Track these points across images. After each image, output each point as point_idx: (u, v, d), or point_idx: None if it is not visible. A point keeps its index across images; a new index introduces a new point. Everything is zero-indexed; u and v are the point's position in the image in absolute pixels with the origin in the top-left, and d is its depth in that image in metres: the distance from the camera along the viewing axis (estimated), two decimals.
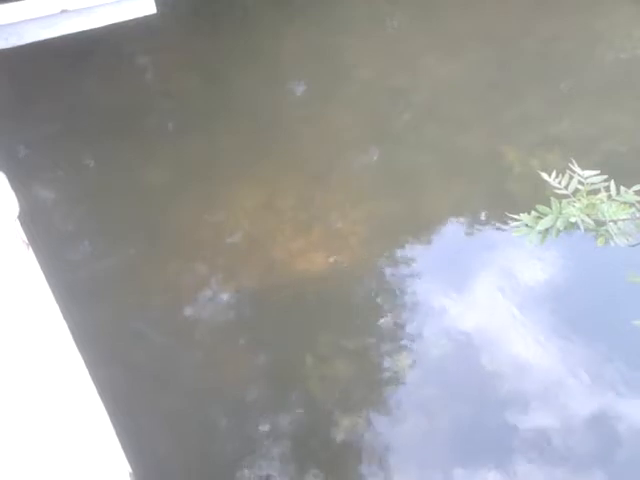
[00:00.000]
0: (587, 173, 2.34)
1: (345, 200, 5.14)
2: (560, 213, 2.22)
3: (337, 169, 5.38)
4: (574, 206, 2.23)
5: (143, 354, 4.27)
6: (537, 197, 2.42)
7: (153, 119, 5.75)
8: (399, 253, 4.90)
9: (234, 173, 5.31)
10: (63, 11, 2.84)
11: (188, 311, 4.58)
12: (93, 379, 3.05)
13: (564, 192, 2.33)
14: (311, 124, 5.65)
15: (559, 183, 2.35)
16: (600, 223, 2.22)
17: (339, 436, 3.93)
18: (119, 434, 3.23)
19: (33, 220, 3.14)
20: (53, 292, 2.90)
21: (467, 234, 5.03)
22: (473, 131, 5.50)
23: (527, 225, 2.27)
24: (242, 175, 5.28)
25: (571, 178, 2.33)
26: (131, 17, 2.97)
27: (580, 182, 2.32)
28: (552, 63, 5.98)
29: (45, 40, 2.96)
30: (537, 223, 2.25)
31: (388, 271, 4.80)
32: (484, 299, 4.50)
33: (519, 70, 5.93)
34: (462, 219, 5.12)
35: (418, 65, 6.02)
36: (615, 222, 2.19)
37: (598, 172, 2.35)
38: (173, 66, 6.13)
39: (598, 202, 2.22)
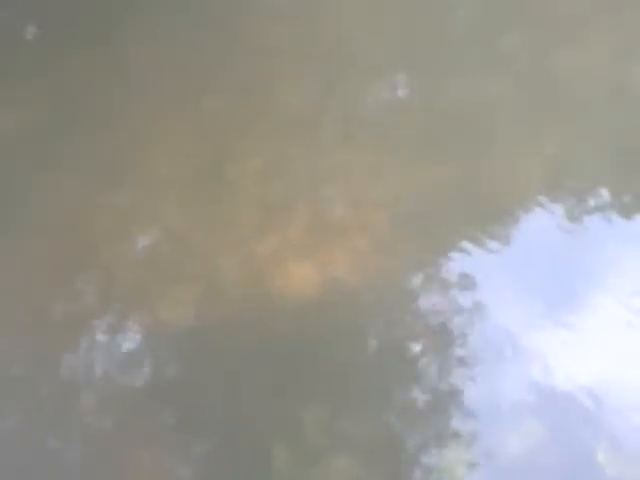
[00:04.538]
0: None
1: (351, 165, 5.00)
2: None
3: (337, 109, 5.31)
4: None
5: None
6: None
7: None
8: (451, 263, 4.66)
9: (151, 114, 5.28)
10: None
11: (65, 369, 4.32)
12: None
13: None
14: (295, 22, 5.73)
15: None
16: None
17: None
18: None
19: None
20: None
21: (576, 224, 4.80)
22: (589, 40, 5.49)
23: None
24: (166, 118, 5.24)
25: None
26: None
27: None
28: None
29: None
30: None
31: (430, 295, 4.55)
32: (609, 343, 4.22)
33: None
34: (567, 197, 4.92)
35: None
36: None
37: None
38: None
39: None
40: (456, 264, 4.63)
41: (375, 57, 5.60)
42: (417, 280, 4.58)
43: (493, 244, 4.72)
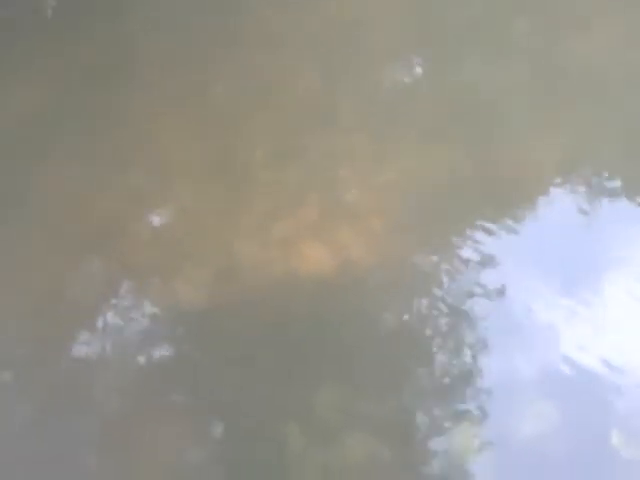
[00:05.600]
0: None
1: (364, 148, 4.99)
2: None
3: (347, 94, 5.32)
4: None
5: None
6: None
7: None
8: (465, 245, 4.65)
9: (160, 103, 5.24)
10: None
11: (79, 349, 4.35)
12: None
13: None
14: (299, 9, 5.74)
15: None
16: None
17: None
18: None
19: None
20: None
21: (591, 207, 4.78)
22: (603, 25, 5.44)
23: None
24: (173, 108, 5.23)
25: None
26: None
27: None
28: None
29: None
30: None
31: (443, 277, 4.54)
32: (625, 325, 4.21)
33: None
34: (582, 180, 4.89)
35: None
36: None
37: None
38: None
39: None
40: (470, 246, 4.63)
41: (384, 42, 5.57)
42: (431, 261, 4.59)
43: (508, 226, 4.72)
